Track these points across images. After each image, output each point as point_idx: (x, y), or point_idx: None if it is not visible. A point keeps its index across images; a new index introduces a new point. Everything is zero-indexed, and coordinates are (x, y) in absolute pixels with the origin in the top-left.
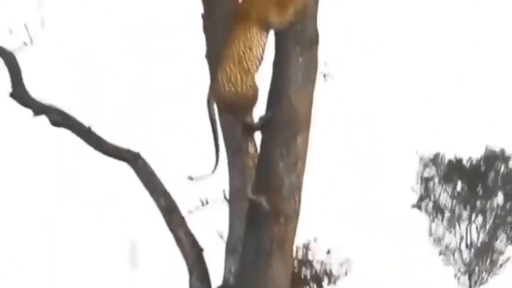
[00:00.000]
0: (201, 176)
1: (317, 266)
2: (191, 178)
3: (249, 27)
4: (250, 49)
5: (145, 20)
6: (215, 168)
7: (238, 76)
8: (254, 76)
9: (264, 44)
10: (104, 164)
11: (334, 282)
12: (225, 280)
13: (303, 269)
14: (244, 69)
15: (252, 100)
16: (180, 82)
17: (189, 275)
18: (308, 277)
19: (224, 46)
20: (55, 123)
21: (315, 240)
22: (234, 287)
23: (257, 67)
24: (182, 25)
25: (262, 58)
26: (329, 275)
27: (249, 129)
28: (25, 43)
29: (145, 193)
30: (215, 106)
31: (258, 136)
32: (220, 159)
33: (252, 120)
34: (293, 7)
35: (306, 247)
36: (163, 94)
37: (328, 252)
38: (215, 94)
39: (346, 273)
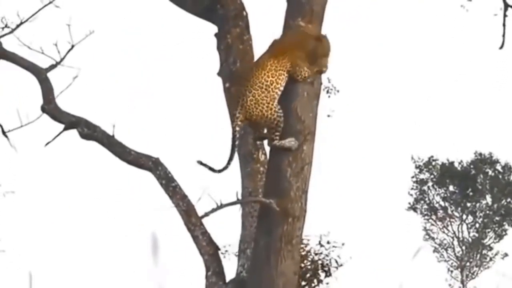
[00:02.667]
0: (210, 166)
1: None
2: (200, 162)
3: (281, 64)
4: (277, 82)
5: (163, 37)
6: (225, 168)
7: (265, 101)
8: (276, 102)
9: (286, 80)
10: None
11: (330, 275)
12: (238, 274)
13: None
14: (270, 96)
15: (278, 123)
16: (195, 96)
17: (205, 270)
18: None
19: (255, 73)
20: (83, 135)
21: (320, 238)
22: (246, 281)
23: (278, 96)
24: (196, 43)
25: (282, 90)
26: (326, 269)
27: (261, 139)
28: (55, 61)
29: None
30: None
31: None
32: (232, 164)
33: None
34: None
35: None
36: (183, 105)
37: (322, 244)
38: (244, 112)
39: (340, 265)
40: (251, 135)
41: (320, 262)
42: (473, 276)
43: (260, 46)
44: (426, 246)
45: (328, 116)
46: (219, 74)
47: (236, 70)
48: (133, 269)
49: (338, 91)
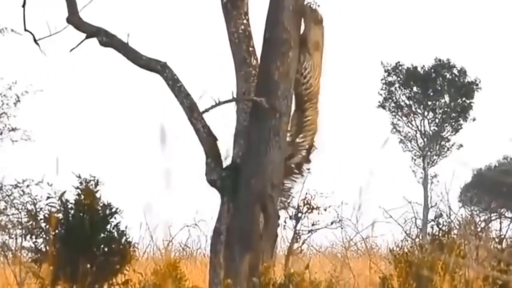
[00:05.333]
0: None
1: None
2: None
3: None
4: None
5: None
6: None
7: None
8: None
9: None
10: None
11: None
12: (233, 161)
13: None
14: None
15: None
16: (198, 10)
17: (205, 157)
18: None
19: None
20: (103, 43)
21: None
22: (240, 166)
23: None
24: None
25: None
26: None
27: None
28: None
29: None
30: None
31: (258, 51)
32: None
33: None
34: None
35: None
36: (185, 20)
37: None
38: None
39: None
40: (244, 44)
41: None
42: (433, 164)
43: None
44: (393, 138)
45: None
46: None
47: None
48: (144, 155)
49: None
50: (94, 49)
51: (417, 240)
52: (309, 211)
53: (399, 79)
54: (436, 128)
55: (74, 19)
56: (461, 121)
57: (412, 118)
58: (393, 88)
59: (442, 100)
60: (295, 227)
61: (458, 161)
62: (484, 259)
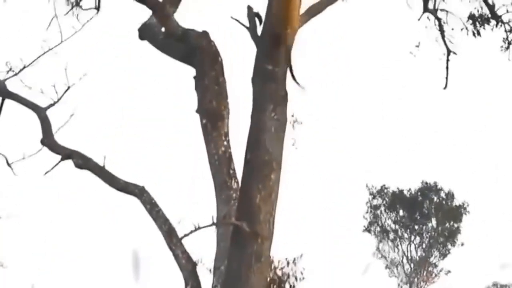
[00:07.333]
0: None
1: (279, 273)
2: None
3: None
4: None
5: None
6: None
7: None
8: None
9: None
10: (118, 195)
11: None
12: (213, 287)
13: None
14: None
15: None
16: (177, 132)
17: (184, 284)
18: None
19: None
20: (78, 165)
21: (294, 261)
22: None
23: None
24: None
25: None
26: (291, 283)
27: None
28: (53, 101)
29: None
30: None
31: (239, 174)
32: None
33: None
34: None
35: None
36: (164, 141)
37: (288, 262)
38: None
39: (303, 278)
40: (225, 166)
41: (284, 277)
42: None
43: (233, 87)
44: (377, 263)
45: (293, 145)
46: (197, 111)
47: (212, 108)
48: (122, 283)
49: (301, 122)
50: (69, 170)
51: None
52: None
53: (384, 202)
54: (423, 253)
55: (48, 141)
56: (449, 246)
57: (398, 243)
58: (378, 212)
59: (429, 224)
60: None
61: None
62: None
